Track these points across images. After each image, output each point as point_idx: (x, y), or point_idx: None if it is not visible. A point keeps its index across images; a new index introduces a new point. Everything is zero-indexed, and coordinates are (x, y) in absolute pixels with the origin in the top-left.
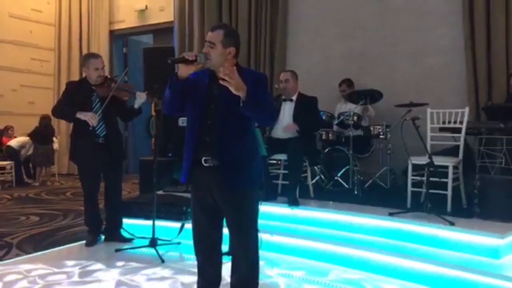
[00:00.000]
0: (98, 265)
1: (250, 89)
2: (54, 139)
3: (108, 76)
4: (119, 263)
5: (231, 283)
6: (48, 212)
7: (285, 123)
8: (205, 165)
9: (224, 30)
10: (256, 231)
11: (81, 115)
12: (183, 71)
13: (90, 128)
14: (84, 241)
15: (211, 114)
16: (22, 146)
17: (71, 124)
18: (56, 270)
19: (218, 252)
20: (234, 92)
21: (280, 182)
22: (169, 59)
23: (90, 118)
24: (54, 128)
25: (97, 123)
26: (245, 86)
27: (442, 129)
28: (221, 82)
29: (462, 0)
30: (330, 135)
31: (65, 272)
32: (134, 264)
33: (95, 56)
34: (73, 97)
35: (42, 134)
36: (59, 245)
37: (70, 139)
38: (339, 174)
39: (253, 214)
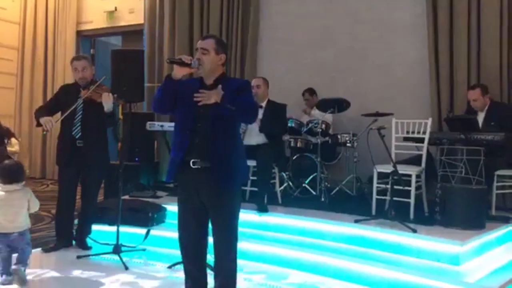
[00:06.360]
0: (53, 273)
1: (227, 93)
2: (14, 140)
3: (97, 80)
4: (77, 271)
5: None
6: None
7: (253, 129)
8: (193, 167)
9: (215, 39)
10: (237, 229)
11: (41, 120)
12: (177, 72)
13: (44, 133)
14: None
15: (201, 117)
16: None
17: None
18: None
19: (204, 256)
20: (213, 101)
21: (248, 188)
22: (167, 58)
23: (45, 121)
24: (6, 128)
25: (74, 125)
26: (220, 92)
27: (406, 139)
28: (200, 104)
29: (427, 14)
30: (298, 142)
31: None
32: (93, 273)
33: (77, 58)
34: (59, 99)
35: None
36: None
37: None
38: (306, 181)
39: (237, 213)
